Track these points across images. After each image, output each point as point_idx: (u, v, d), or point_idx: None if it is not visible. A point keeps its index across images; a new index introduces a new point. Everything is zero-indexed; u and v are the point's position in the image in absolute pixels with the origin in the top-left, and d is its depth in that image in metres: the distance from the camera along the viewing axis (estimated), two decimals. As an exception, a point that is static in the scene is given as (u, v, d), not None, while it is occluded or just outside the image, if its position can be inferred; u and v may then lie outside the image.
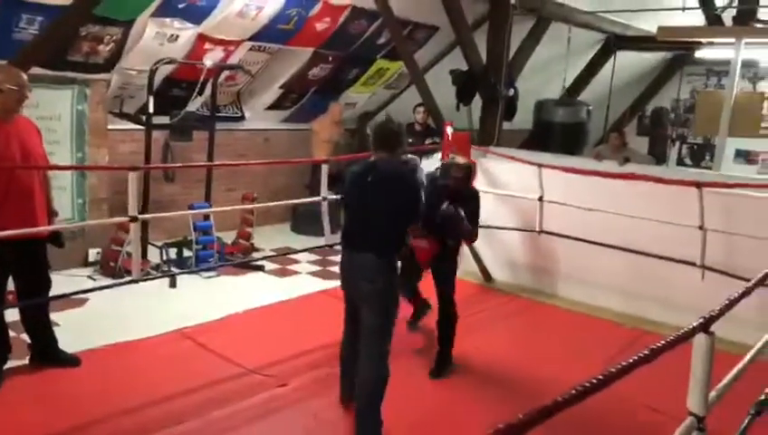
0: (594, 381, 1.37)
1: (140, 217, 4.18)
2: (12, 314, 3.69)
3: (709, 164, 9.99)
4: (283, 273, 6.03)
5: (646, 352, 1.62)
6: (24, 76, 3.44)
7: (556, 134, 8.10)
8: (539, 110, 8.45)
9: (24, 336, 3.76)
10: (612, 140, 6.82)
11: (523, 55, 7.16)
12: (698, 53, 9.32)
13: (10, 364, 3.59)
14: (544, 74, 8.52)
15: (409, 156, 3.46)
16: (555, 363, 4.08)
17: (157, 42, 5.54)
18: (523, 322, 5.09)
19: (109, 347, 4.02)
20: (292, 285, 5.68)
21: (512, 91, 6.54)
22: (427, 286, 4.28)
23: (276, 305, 5.04)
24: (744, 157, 10.28)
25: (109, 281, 4.94)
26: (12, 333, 3.65)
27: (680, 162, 10.96)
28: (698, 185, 4.49)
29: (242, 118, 7.24)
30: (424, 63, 7.48)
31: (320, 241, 5.66)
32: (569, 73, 8.87)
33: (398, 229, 3.17)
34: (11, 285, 3.59)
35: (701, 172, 6.80)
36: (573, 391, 1.30)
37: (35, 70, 4.45)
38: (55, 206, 3.84)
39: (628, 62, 9.47)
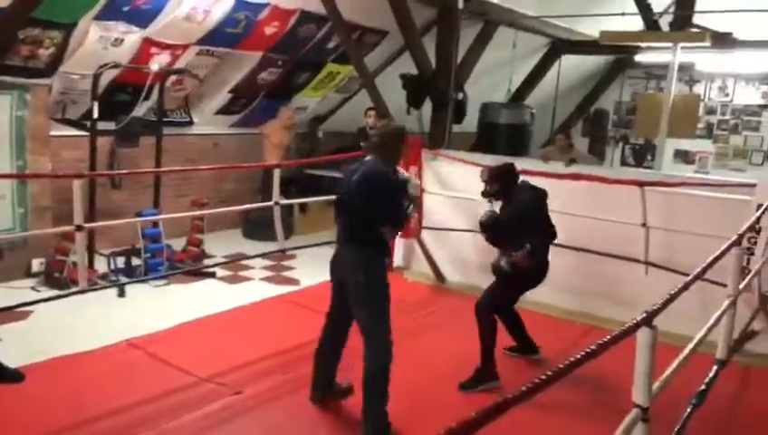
0: (544, 377, 1.42)
1: (86, 225, 4.09)
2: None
3: (650, 164, 10.38)
4: (235, 279, 5.95)
5: (593, 347, 1.68)
6: None
7: (501, 136, 8.26)
8: (484, 112, 8.61)
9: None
10: (559, 142, 7.01)
11: (471, 59, 7.29)
12: (638, 57, 9.67)
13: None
14: (492, 78, 8.68)
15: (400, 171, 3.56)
16: (507, 361, 4.16)
17: (100, 45, 5.40)
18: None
19: (55, 360, 3.88)
20: (245, 291, 5.62)
21: (461, 95, 6.64)
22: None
23: (229, 312, 4.97)
24: (683, 157, 10.72)
25: (54, 292, 4.78)
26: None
27: (623, 163, 11.34)
28: (641, 184, 4.67)
29: (190, 123, 7.12)
30: (374, 67, 7.53)
31: (272, 246, 5.62)
32: (516, 77, 9.08)
33: (374, 226, 3.23)
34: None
35: (643, 172, 7.05)
36: (524, 388, 1.34)
37: (-29, 75, 4.29)
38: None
39: (573, 66, 9.75)
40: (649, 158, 10.89)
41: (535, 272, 3.98)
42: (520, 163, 5.63)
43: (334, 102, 8.55)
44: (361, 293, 3.22)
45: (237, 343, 4.38)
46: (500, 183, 3.97)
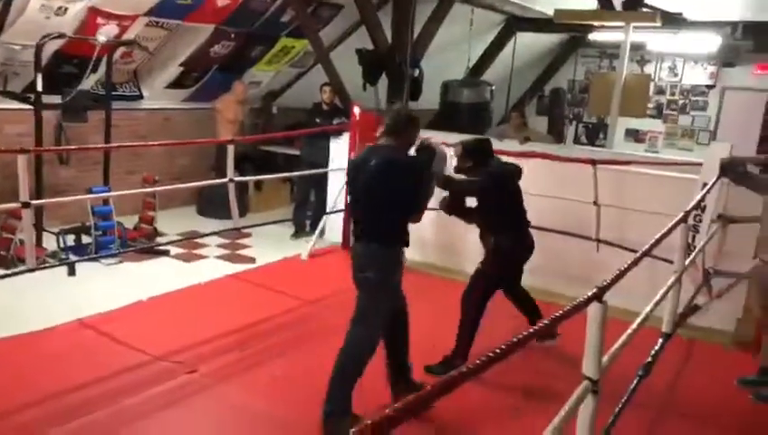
0: (497, 351, 1.45)
1: (33, 202, 3.96)
2: None
3: (603, 143, 10.62)
4: (189, 257, 5.86)
5: (545, 321, 1.72)
6: None
7: (462, 114, 8.31)
8: (445, 90, 8.63)
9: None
10: (513, 120, 7.08)
11: (428, 35, 7.26)
12: (592, 36, 9.82)
13: None
14: (449, 55, 8.68)
15: (432, 140, 3.39)
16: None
17: (42, 15, 5.16)
18: (434, 298, 5.21)
19: (5, 340, 3.76)
20: (200, 269, 5.54)
21: (417, 72, 6.62)
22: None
23: (183, 291, 4.89)
24: (634, 135, 11.00)
25: (1, 271, 4.61)
26: None
27: (577, 141, 11.56)
28: (593, 162, 4.77)
29: (140, 97, 6.90)
30: (329, 42, 7.44)
31: (228, 224, 5.54)
32: (472, 54, 9.10)
33: (393, 218, 3.07)
34: None
35: (596, 150, 7.20)
36: (478, 361, 1.37)
37: None
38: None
39: (528, 44, 9.84)
40: (602, 136, 11.13)
41: (511, 252, 3.96)
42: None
43: (289, 77, 8.41)
44: (366, 286, 3.12)
45: (192, 321, 4.33)
46: (473, 159, 3.87)
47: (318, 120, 6.73)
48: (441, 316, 4.69)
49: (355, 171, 3.20)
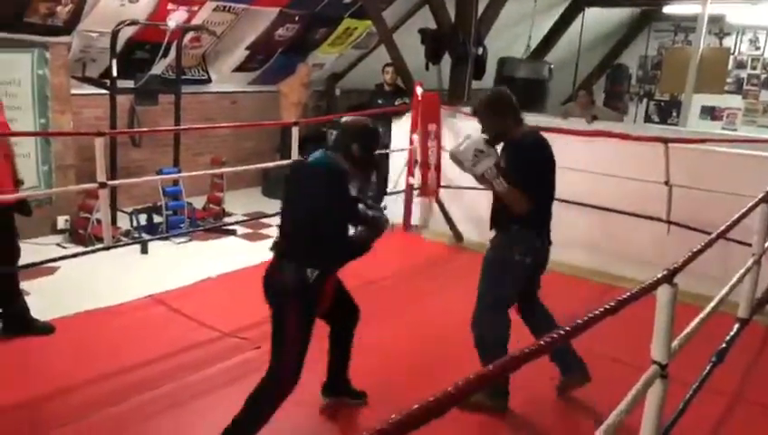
0: (561, 332, 1.42)
1: (109, 183, 4.13)
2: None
3: (676, 121, 10.16)
4: (255, 237, 6.01)
5: (611, 303, 1.67)
6: None
7: (517, 90, 8.12)
8: (501, 66, 8.43)
9: (-6, 306, 3.72)
10: (580, 98, 6.89)
11: (492, 13, 7.09)
12: (666, 9, 9.36)
13: (-20, 335, 3.56)
14: (512, 33, 8.48)
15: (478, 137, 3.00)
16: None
17: (117, 2, 5.36)
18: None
19: (82, 314, 3.99)
20: (265, 248, 5.63)
21: (481, 50, 6.51)
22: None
23: (249, 269, 5.00)
24: (710, 113, 10.47)
25: (79, 249, 4.87)
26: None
27: (647, 119, 11.10)
28: (665, 141, 4.57)
29: (208, 80, 7.08)
30: (392, 22, 7.38)
31: (292, 204, 5.64)
32: (537, 32, 8.85)
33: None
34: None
35: (668, 129, 6.91)
36: (541, 343, 1.35)
37: (-10, 33, 4.29)
38: (20, 173, 3.76)
39: (596, 20, 9.48)
40: (674, 114, 10.64)
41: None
42: (537, 120, 5.54)
43: (351, 59, 8.43)
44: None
45: (257, 299, 4.43)
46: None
47: (380, 102, 6.73)
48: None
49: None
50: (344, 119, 2.86)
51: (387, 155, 6.43)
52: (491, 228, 3.31)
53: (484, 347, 3.09)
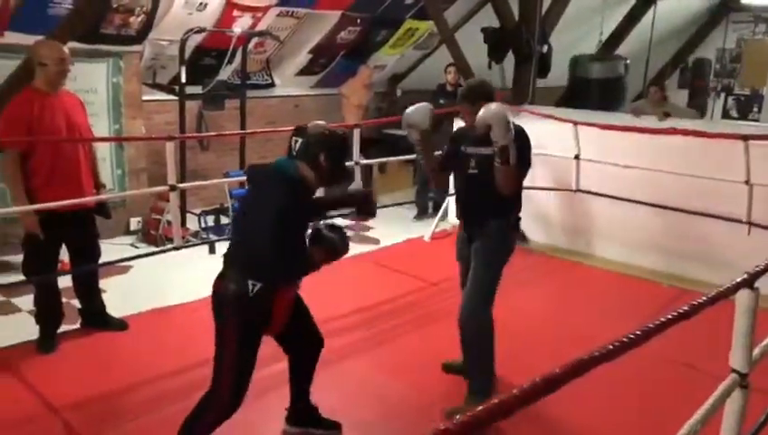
0: (632, 335, 1.36)
1: (179, 185, 4.26)
2: (63, 282, 3.82)
3: (757, 116, 9.64)
4: (316, 238, 6.07)
5: (685, 307, 1.59)
6: (66, 50, 3.49)
7: (593, 90, 7.89)
8: (574, 66, 8.22)
9: (75, 302, 3.90)
10: (652, 95, 6.60)
11: (558, 9, 6.94)
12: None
13: (63, 328, 3.74)
14: (579, 28, 8.26)
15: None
16: (592, 323, 4.05)
17: (186, 11, 5.54)
18: (558, 282, 5.05)
19: (154, 311, 4.14)
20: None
21: (545, 48, 6.37)
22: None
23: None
24: (794, 107, 9.88)
25: (151, 249, 5.05)
26: (63, 299, 3.78)
27: (725, 115, 10.57)
28: (745, 138, 4.33)
29: (272, 85, 7.23)
30: (454, 22, 7.33)
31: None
32: (606, 26, 8.58)
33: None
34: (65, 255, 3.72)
35: (748, 125, 6.55)
36: (610, 346, 1.29)
37: (71, 44, 4.49)
38: (102, 179, 3.93)
39: (669, 12, 9.09)
40: (756, 109, 10.10)
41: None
42: (608, 118, 5.36)
43: (413, 60, 8.42)
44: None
45: (320, 298, 4.45)
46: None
47: (441, 102, 6.68)
48: (564, 302, 4.53)
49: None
50: (311, 124, 2.61)
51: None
52: (462, 218, 3.29)
53: (480, 341, 3.01)
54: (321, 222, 2.61)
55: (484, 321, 3.02)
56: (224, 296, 2.41)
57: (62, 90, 3.55)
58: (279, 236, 2.35)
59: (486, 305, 3.04)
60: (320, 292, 4.63)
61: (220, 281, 2.45)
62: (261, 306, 2.42)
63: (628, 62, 8.28)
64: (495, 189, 2.95)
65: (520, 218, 3.22)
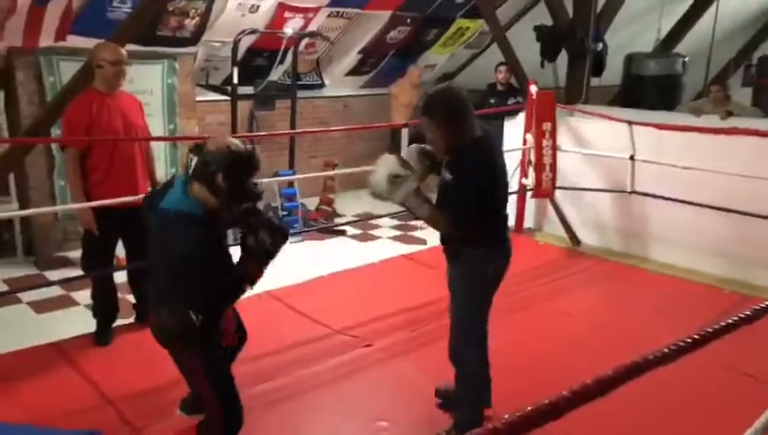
0: (688, 339, 1.29)
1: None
2: (120, 277, 3.93)
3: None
4: (364, 238, 6.09)
5: (747, 312, 1.51)
6: (123, 51, 3.59)
7: (648, 89, 7.64)
8: (628, 63, 7.98)
9: (130, 297, 4.01)
10: (714, 93, 6.35)
11: (614, 6, 6.76)
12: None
13: (118, 322, 3.85)
14: (636, 26, 8.03)
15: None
16: (647, 327, 3.91)
17: (239, 13, 5.65)
18: (612, 286, 4.91)
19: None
20: (374, 249, 5.74)
21: (600, 46, 6.21)
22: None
23: (359, 269, 5.10)
24: None
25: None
26: (119, 295, 3.89)
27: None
28: (812, 137, 4.13)
29: (322, 85, 7.29)
30: (506, 20, 7.23)
31: (401, 206, 5.66)
32: (664, 23, 8.31)
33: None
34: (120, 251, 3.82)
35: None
36: (666, 350, 1.23)
37: (129, 46, 4.63)
38: (158, 177, 4.01)
39: (733, 7, 8.74)
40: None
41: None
42: (665, 118, 5.18)
43: (463, 59, 8.35)
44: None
45: (367, 297, 4.50)
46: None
47: (492, 101, 6.61)
48: (616, 306, 4.40)
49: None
50: (211, 140, 2.40)
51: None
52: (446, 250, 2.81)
53: (465, 380, 2.82)
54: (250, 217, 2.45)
55: (468, 361, 2.79)
56: (170, 330, 2.30)
57: (120, 91, 3.66)
58: (195, 281, 2.23)
59: (468, 346, 2.77)
60: (365, 292, 4.68)
61: (158, 317, 2.34)
62: (211, 329, 2.37)
63: (686, 59, 7.98)
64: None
65: (507, 239, 2.83)
